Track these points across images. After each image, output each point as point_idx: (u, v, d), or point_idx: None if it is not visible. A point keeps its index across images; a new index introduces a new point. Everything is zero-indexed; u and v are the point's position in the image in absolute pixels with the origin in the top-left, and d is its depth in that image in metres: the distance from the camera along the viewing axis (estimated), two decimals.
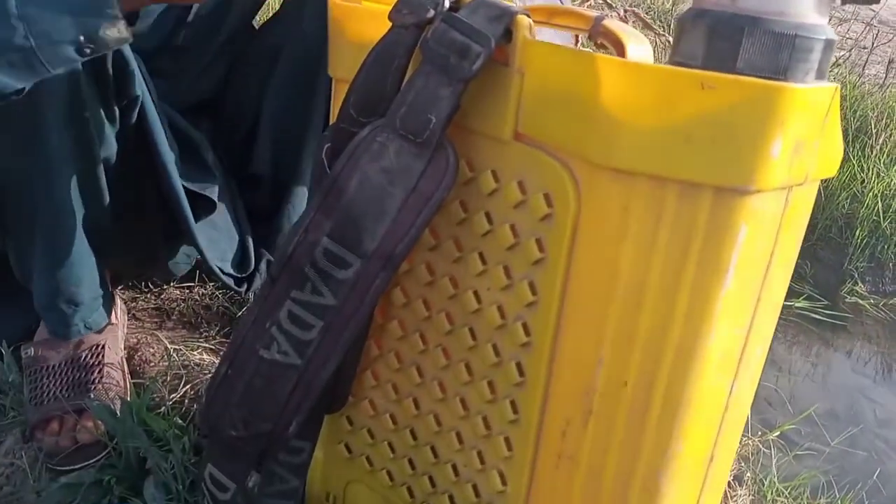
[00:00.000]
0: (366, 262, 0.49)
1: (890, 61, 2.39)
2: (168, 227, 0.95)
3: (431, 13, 0.48)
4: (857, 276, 1.82)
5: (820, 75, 0.41)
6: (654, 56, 0.50)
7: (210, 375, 0.89)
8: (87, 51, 0.59)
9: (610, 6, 0.50)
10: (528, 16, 0.46)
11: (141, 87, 0.80)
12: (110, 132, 0.80)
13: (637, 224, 0.42)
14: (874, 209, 1.89)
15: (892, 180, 1.93)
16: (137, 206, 0.90)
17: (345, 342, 0.51)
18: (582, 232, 0.45)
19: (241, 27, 1.06)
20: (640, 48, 0.49)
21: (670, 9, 1.93)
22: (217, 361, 0.94)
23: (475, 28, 0.46)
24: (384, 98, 0.50)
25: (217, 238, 0.98)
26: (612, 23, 0.48)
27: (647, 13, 1.87)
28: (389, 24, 0.51)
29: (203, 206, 0.94)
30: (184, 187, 0.89)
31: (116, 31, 0.59)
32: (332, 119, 0.60)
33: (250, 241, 1.05)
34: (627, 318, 0.44)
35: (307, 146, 1.05)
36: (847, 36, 3.21)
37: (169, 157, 0.86)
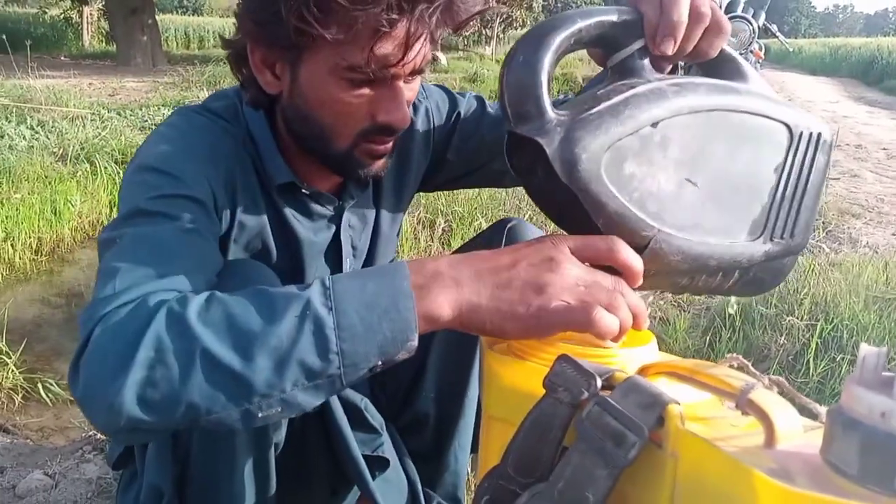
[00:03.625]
0: None
1: None
2: (335, 483, 1.00)
3: (585, 394, 0.52)
4: None
5: None
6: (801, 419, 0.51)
7: None
8: (378, 369, 0.64)
9: (754, 374, 0.53)
10: (678, 403, 0.50)
11: None
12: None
13: None
14: None
15: None
16: (306, 476, 0.96)
17: None
18: None
19: None
20: (788, 420, 0.50)
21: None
22: None
23: (629, 416, 0.49)
24: (541, 463, 0.54)
25: (389, 491, 1.03)
26: (759, 395, 0.51)
27: (790, 377, 1.87)
28: (541, 380, 0.56)
29: (376, 466, 1.01)
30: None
31: (407, 353, 0.64)
32: (482, 453, 0.65)
33: (419, 486, 1.10)
34: None
35: (470, 386, 1.11)
36: None
37: (344, 430, 0.93)
